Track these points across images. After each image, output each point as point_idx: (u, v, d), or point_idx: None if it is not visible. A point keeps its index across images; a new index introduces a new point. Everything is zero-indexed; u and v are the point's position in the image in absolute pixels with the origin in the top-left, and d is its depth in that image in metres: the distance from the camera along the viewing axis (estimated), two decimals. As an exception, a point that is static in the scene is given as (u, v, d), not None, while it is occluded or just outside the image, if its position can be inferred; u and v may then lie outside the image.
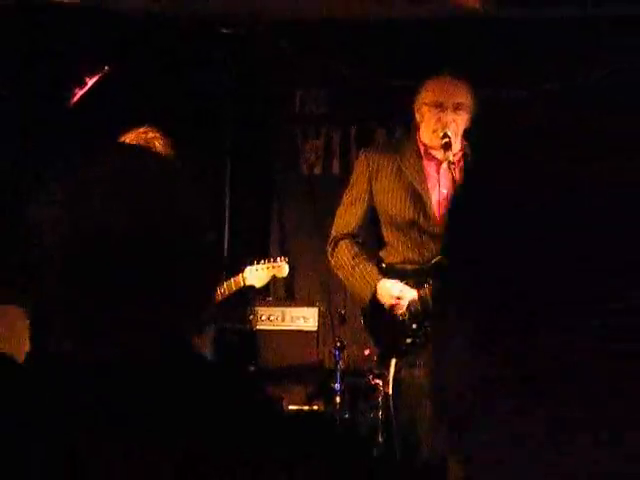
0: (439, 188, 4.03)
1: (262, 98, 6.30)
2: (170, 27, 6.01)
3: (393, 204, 4.03)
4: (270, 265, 4.18)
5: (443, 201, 4.01)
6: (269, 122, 6.35)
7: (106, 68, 5.22)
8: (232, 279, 4.22)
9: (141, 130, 4.32)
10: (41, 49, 5.69)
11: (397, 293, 3.93)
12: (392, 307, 3.95)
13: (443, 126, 3.95)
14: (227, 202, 6.14)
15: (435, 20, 5.92)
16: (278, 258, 4.22)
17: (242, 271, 4.21)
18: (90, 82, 5.26)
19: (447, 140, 3.91)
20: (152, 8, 5.87)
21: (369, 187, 4.09)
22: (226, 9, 5.91)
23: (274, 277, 4.19)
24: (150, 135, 4.30)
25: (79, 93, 5.22)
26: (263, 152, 6.34)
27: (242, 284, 4.17)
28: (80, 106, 5.23)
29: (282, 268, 4.17)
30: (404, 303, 3.94)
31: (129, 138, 4.30)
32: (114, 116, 5.72)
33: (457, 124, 3.98)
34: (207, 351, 4.49)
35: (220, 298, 4.22)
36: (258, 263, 4.22)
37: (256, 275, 4.17)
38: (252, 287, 4.21)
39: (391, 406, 4.11)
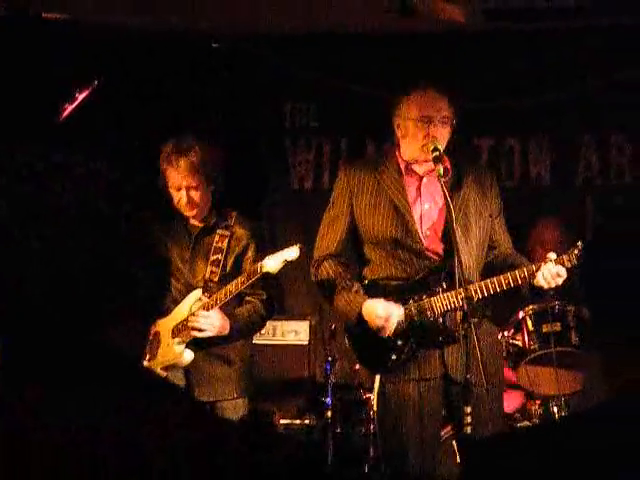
0: (421, 204, 4.00)
1: (252, 111, 6.29)
2: (160, 42, 6.01)
3: (374, 221, 3.99)
4: (283, 251, 4.17)
5: (424, 217, 4.00)
6: (259, 136, 6.34)
7: (96, 83, 5.20)
8: (252, 267, 4.25)
9: (182, 138, 4.53)
10: (30, 63, 5.69)
11: (383, 313, 3.91)
12: (379, 328, 3.92)
13: (433, 140, 3.92)
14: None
15: (425, 34, 5.93)
16: (292, 246, 4.20)
17: (261, 259, 4.21)
18: (80, 97, 5.24)
19: (437, 154, 3.88)
20: (143, 23, 5.87)
21: (350, 205, 4.06)
22: (215, 24, 5.91)
23: (286, 262, 4.16)
24: (187, 144, 4.49)
25: (69, 108, 5.20)
26: (254, 166, 6.33)
27: (259, 271, 4.17)
28: (69, 120, 5.22)
29: (291, 251, 4.15)
30: (392, 322, 3.91)
31: (170, 143, 4.51)
32: (104, 130, 5.73)
33: (444, 137, 3.97)
34: (237, 372, 4.47)
35: (240, 287, 4.25)
36: (274, 251, 4.23)
37: (272, 262, 4.15)
38: (268, 273, 4.19)
39: (376, 421, 4.10)
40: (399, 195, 3.98)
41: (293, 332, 5.73)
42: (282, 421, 5.48)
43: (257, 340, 5.62)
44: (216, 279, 4.45)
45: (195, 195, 4.49)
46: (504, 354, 4.88)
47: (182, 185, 4.47)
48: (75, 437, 1.28)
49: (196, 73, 6.19)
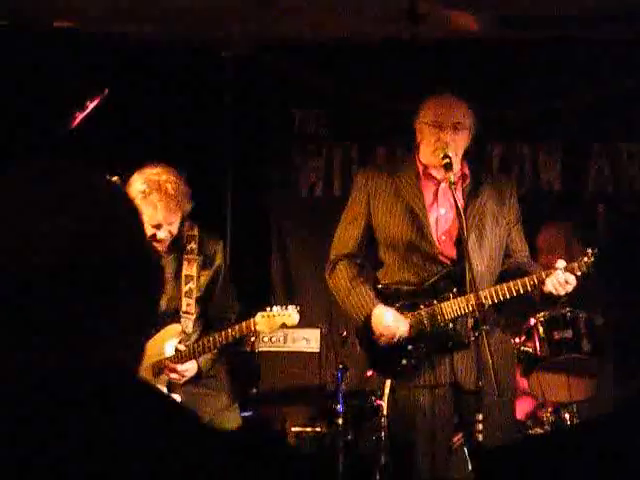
0: (437, 208, 4.01)
1: (261, 119, 6.29)
2: (169, 50, 6.02)
3: (390, 224, 4.00)
4: (281, 313, 4.13)
5: (440, 221, 3.99)
6: (269, 143, 6.34)
7: (106, 91, 5.21)
8: (243, 323, 4.14)
9: (154, 172, 4.13)
10: (41, 73, 5.70)
11: (392, 324, 3.91)
12: (384, 337, 3.92)
13: (443, 146, 3.92)
14: (228, 223, 6.13)
15: (436, 41, 5.93)
16: (290, 307, 4.16)
17: (254, 316, 4.13)
18: (91, 106, 5.25)
19: (448, 161, 3.87)
20: (151, 32, 5.88)
21: (367, 207, 4.06)
22: (225, 32, 5.92)
23: (284, 325, 4.15)
24: (163, 178, 4.11)
25: (79, 117, 5.22)
26: (263, 174, 6.32)
27: (252, 329, 4.12)
28: (79, 129, 5.23)
29: (292, 317, 4.13)
30: (396, 336, 3.91)
31: (142, 178, 4.11)
32: (112, 138, 5.74)
33: (456, 144, 3.95)
34: (224, 381, 4.42)
35: (230, 340, 4.14)
36: (270, 309, 4.17)
37: (267, 322, 4.10)
38: (261, 332, 4.17)
39: (386, 427, 4.10)
40: (416, 198, 3.98)
41: (304, 340, 5.72)
42: (293, 429, 5.46)
43: (267, 348, 5.62)
44: (192, 310, 4.26)
45: (173, 229, 4.17)
46: (515, 361, 4.87)
47: (163, 222, 4.09)
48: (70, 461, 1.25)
49: (204, 81, 6.18)
